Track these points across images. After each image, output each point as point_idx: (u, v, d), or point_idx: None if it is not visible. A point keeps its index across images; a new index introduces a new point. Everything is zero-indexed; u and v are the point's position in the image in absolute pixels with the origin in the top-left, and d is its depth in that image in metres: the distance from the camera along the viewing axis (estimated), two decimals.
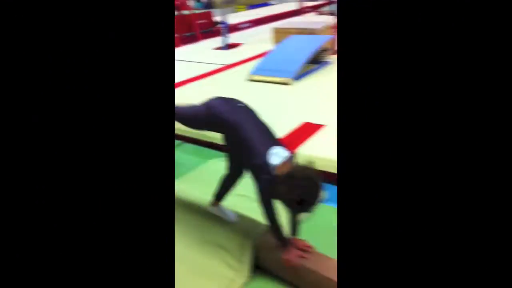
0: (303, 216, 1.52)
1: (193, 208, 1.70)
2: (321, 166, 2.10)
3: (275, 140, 1.37)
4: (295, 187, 1.17)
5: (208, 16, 6.98)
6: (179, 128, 2.70)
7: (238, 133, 1.35)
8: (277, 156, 1.28)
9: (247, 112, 1.44)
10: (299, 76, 3.58)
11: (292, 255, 1.34)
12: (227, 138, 1.48)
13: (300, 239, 1.42)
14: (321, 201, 1.21)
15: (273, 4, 9.59)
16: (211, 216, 1.62)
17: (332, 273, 1.28)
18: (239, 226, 1.55)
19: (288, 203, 1.22)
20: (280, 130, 2.53)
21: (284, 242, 1.37)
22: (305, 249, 1.38)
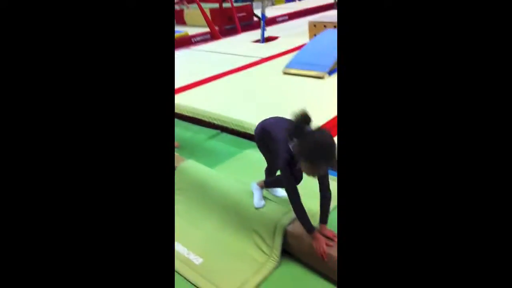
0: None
1: (229, 194, 1.76)
2: None
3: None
4: (306, 147, 1.22)
5: (248, 9, 6.94)
6: (217, 118, 2.79)
7: (269, 132, 1.49)
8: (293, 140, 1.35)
9: (277, 117, 1.57)
10: (333, 71, 3.51)
11: (319, 243, 1.37)
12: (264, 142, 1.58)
13: (330, 229, 1.44)
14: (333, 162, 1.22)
15: None
16: (247, 202, 1.68)
17: None
18: (272, 213, 1.59)
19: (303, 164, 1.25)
20: (312, 122, 2.53)
21: (309, 229, 1.39)
22: (332, 238, 1.40)
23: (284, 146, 1.35)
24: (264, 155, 1.65)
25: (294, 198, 1.38)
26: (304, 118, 1.27)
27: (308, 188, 1.45)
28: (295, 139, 1.28)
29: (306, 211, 1.39)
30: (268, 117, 1.61)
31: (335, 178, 1.96)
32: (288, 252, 1.52)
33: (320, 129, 1.27)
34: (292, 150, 1.32)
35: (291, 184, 1.37)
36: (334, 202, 1.75)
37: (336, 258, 1.33)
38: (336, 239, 1.40)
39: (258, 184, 1.70)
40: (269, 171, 1.70)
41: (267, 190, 1.77)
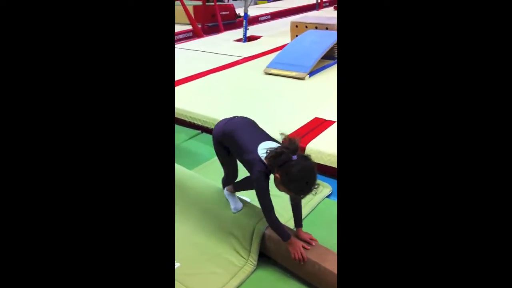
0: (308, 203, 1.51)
1: (207, 196, 1.73)
2: (327, 161, 2.09)
3: (266, 136, 1.42)
4: (290, 179, 1.21)
5: (231, 7, 6.88)
6: (198, 118, 2.74)
7: (233, 137, 1.43)
8: (265, 149, 1.31)
9: (240, 120, 1.51)
10: (313, 72, 3.52)
11: (295, 248, 1.36)
12: (224, 144, 1.51)
13: (306, 232, 1.43)
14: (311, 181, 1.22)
15: None
16: (224, 205, 1.65)
17: (333, 265, 1.29)
18: (249, 216, 1.56)
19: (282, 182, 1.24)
20: (291, 124, 2.52)
21: (285, 238, 1.36)
22: (309, 242, 1.39)
23: (257, 157, 1.31)
24: (221, 160, 1.57)
25: (269, 213, 1.34)
26: (292, 147, 1.24)
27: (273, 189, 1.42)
28: (279, 166, 1.24)
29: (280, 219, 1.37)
30: (229, 117, 1.55)
31: None
32: (266, 255, 1.50)
33: (304, 157, 1.25)
34: (265, 162, 1.29)
35: (266, 199, 1.33)
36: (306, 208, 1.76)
37: (312, 261, 1.33)
38: (313, 242, 1.39)
39: (228, 189, 1.66)
40: (227, 179, 1.64)
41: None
